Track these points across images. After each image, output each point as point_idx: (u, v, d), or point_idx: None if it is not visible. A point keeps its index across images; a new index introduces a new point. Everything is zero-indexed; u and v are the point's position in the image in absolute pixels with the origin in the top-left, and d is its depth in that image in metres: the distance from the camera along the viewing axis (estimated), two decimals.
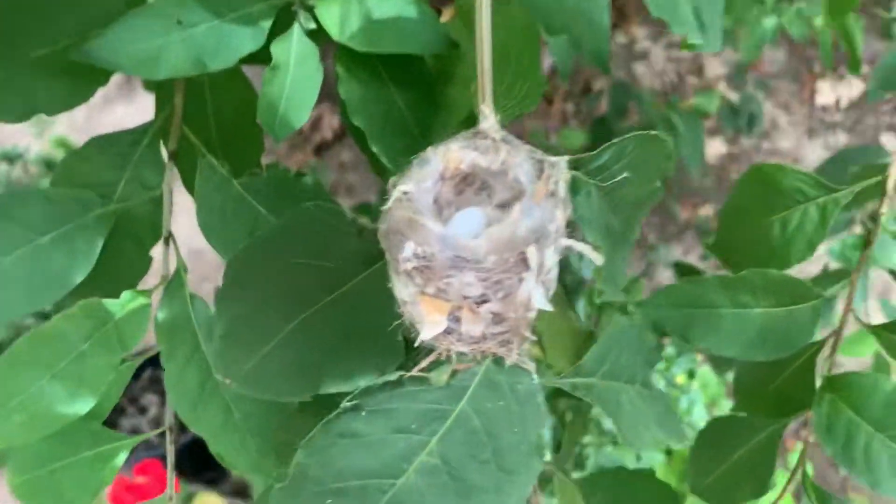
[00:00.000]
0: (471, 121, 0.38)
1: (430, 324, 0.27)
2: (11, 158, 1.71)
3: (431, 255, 0.26)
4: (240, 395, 0.40)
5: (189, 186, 0.43)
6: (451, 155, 0.28)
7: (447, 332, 0.27)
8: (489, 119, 0.29)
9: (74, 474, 0.40)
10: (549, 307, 0.28)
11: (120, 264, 0.44)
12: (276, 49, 0.39)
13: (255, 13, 0.38)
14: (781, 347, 0.49)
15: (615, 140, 0.29)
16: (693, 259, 2.19)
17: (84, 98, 0.39)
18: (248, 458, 0.41)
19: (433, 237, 0.26)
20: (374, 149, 0.40)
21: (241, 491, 1.70)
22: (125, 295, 0.40)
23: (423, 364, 0.28)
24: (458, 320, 0.27)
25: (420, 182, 0.28)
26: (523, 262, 0.26)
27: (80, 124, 1.87)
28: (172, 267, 0.42)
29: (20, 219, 0.40)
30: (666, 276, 2.03)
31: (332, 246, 0.31)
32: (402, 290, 0.27)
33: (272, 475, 0.41)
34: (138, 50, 0.36)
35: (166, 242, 0.42)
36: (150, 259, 0.44)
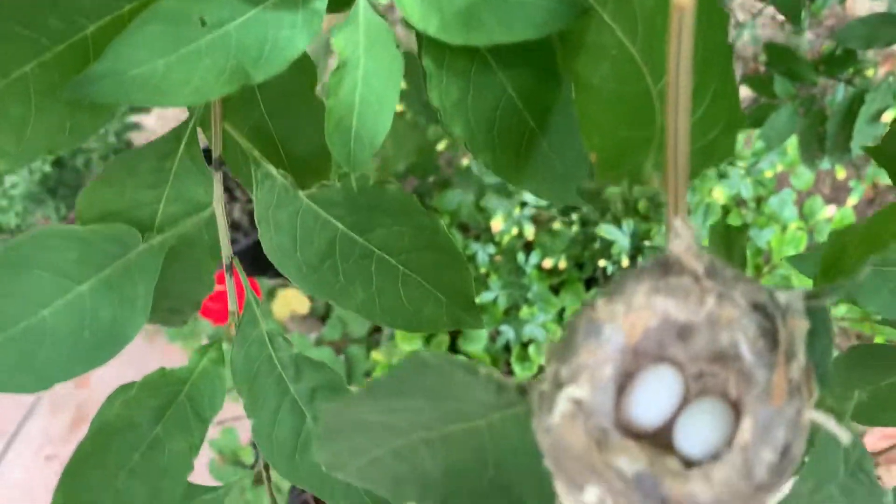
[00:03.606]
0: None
1: None
2: None
3: None
4: None
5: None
6: (634, 317, 0.19)
7: None
8: (685, 238, 0.20)
9: None
10: None
11: (176, 291, 0.36)
12: (339, 40, 0.28)
13: None
14: None
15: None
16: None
17: (93, 131, 0.29)
18: (360, 501, 0.36)
19: (627, 483, 0.18)
20: (481, 159, 0.30)
21: None
22: (192, 356, 0.33)
23: None
24: None
25: (595, 378, 0.19)
26: None
27: None
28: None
29: (50, 264, 0.33)
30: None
31: (457, 395, 0.23)
32: None
33: None
34: (147, 73, 0.26)
35: (229, 271, 0.35)
36: (212, 281, 0.37)
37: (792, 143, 1.47)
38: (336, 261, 0.34)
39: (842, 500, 0.28)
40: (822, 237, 1.43)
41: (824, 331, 0.21)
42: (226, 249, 0.34)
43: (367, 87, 0.29)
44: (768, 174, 1.50)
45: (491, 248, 1.34)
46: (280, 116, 0.35)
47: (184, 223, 0.33)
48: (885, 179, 1.63)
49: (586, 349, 0.19)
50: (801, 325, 0.19)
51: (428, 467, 0.27)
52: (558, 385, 0.19)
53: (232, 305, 0.34)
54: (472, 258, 1.36)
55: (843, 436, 0.20)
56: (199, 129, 0.34)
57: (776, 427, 0.18)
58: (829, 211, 1.47)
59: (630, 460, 0.18)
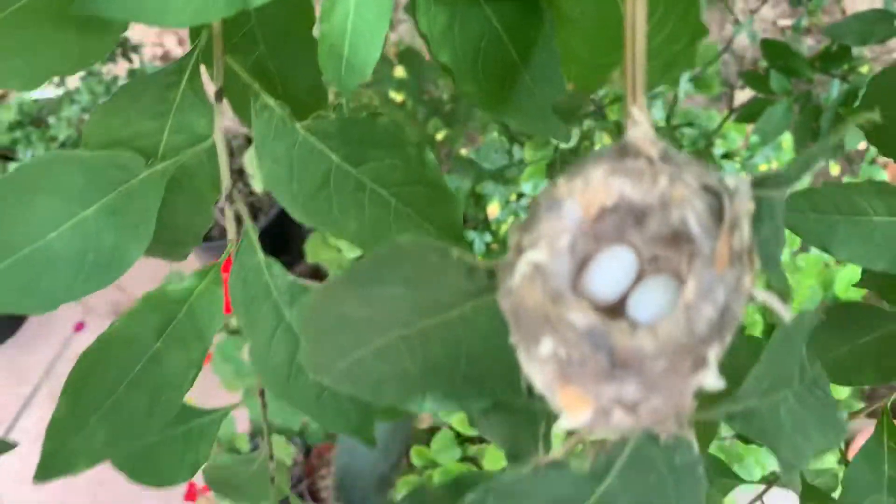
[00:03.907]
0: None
1: (570, 416, 0.21)
2: None
3: (578, 360, 0.20)
4: None
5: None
6: (591, 194, 0.21)
7: (591, 422, 0.22)
8: (642, 125, 0.21)
9: (169, 451, 0.38)
10: (722, 384, 0.22)
11: (178, 222, 0.38)
12: None
13: None
14: None
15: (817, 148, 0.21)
16: (785, 22, 1.99)
17: (100, 55, 0.31)
18: (349, 425, 0.38)
19: (579, 335, 0.20)
20: (465, 89, 0.32)
21: (315, 273, 1.76)
22: (191, 277, 0.35)
23: (560, 452, 0.23)
24: (606, 414, 0.21)
25: (553, 245, 0.21)
26: (701, 360, 0.20)
27: None
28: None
29: (57, 189, 0.34)
30: (749, 51, 1.85)
31: (432, 280, 0.25)
32: (534, 374, 0.21)
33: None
34: None
35: (229, 199, 0.36)
36: (213, 213, 0.39)
37: (787, 139, 1.49)
38: (330, 192, 0.35)
39: (797, 407, 0.30)
40: None
41: (771, 217, 0.22)
42: (225, 180, 0.36)
43: (358, 16, 0.30)
44: (763, 168, 1.52)
45: (488, 237, 1.36)
46: (279, 56, 0.37)
47: (185, 153, 0.35)
48: (878, 176, 1.65)
49: (546, 221, 0.21)
50: (746, 205, 0.21)
51: (407, 365, 0.28)
52: (520, 252, 0.21)
53: (231, 233, 0.36)
54: (469, 247, 1.38)
55: (785, 314, 0.22)
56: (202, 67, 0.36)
57: (717, 289, 0.20)
58: None
59: (582, 316, 0.20)
